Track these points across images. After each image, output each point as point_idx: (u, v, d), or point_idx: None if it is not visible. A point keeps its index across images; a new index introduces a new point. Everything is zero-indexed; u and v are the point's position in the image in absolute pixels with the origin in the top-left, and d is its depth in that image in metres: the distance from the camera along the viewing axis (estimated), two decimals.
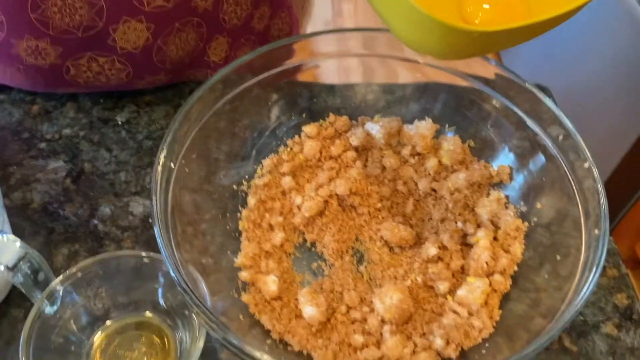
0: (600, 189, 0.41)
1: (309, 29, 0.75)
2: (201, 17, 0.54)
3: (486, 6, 0.38)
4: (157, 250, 0.39)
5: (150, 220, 0.51)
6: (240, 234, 0.48)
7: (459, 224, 0.46)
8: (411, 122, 0.51)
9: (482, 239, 0.45)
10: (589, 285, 0.37)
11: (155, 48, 0.54)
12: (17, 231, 0.50)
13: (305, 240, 0.49)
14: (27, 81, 0.57)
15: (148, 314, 0.45)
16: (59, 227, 0.51)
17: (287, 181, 0.50)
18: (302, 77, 0.53)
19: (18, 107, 0.60)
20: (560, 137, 0.44)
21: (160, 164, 0.42)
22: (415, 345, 0.41)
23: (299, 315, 0.43)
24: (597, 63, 1.14)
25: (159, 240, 0.38)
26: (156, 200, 0.40)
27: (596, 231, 0.39)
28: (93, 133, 0.58)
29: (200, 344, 0.40)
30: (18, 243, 0.40)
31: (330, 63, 0.52)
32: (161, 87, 0.62)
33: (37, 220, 0.51)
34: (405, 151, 0.50)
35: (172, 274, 0.37)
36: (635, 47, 1.00)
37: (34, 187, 0.54)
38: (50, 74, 0.55)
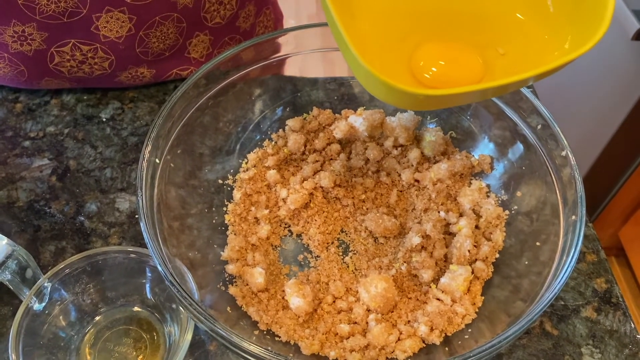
0: (577, 176, 0.41)
1: (294, 23, 0.75)
2: (181, 13, 0.55)
3: (442, 62, 0.37)
4: (144, 246, 0.39)
5: (136, 216, 0.51)
6: (226, 227, 0.49)
7: (442, 214, 0.47)
8: (393, 114, 0.52)
9: (464, 227, 0.46)
10: (567, 268, 0.38)
11: (138, 39, 0.55)
12: (3, 229, 0.50)
13: (291, 233, 0.49)
14: (11, 72, 0.57)
15: (136, 308, 0.45)
16: (45, 225, 0.51)
17: (272, 174, 0.50)
18: (286, 71, 0.53)
19: (1, 106, 0.60)
20: (539, 127, 0.45)
21: (145, 159, 0.42)
22: (400, 333, 0.42)
23: (285, 307, 0.44)
24: None
25: (145, 235, 0.39)
26: (142, 196, 0.40)
27: (573, 217, 0.40)
28: (77, 130, 0.58)
29: (189, 336, 0.40)
30: (5, 241, 0.40)
31: (315, 56, 0.52)
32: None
33: (24, 218, 0.51)
34: (388, 143, 0.51)
35: (160, 268, 0.38)
36: (617, 38, 1.02)
37: (20, 186, 0.54)
38: (35, 62, 0.55)
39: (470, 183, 0.49)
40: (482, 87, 0.33)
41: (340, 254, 0.48)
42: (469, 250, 0.45)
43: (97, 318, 0.45)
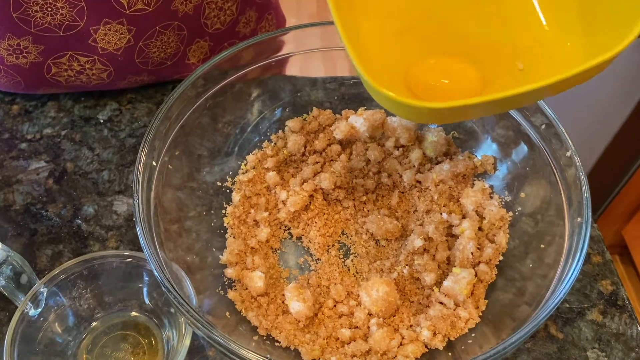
0: (582, 177, 0.41)
1: (294, 22, 0.74)
2: (181, 21, 0.54)
3: (437, 77, 0.36)
4: (142, 249, 0.39)
5: (134, 219, 0.51)
6: (225, 230, 0.48)
7: (444, 215, 0.46)
8: (394, 114, 0.51)
9: (467, 229, 0.45)
10: (573, 271, 0.37)
11: (137, 50, 0.54)
12: None
13: (291, 235, 0.49)
14: (8, 82, 0.56)
15: (134, 313, 0.45)
16: (42, 228, 0.50)
17: (271, 176, 0.50)
18: (287, 71, 0.53)
19: None
20: (543, 126, 0.44)
21: (142, 162, 0.41)
22: (403, 338, 0.41)
23: (285, 311, 0.43)
24: None
25: (141, 240, 0.38)
26: (138, 200, 0.40)
27: (579, 219, 0.39)
28: (75, 132, 0.57)
29: (187, 341, 0.39)
30: None
31: (315, 56, 0.51)
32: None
33: (20, 222, 0.51)
34: (390, 143, 0.50)
35: (156, 274, 0.37)
36: None
37: (16, 189, 0.53)
38: (31, 73, 0.54)
39: (473, 184, 0.48)
40: (491, 99, 0.30)
41: (341, 256, 0.47)
42: (472, 253, 0.44)
43: (94, 323, 0.44)
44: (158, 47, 0.55)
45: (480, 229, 0.46)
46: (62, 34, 0.50)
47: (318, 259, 0.47)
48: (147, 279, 0.44)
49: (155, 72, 0.58)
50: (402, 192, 0.50)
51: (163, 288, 0.37)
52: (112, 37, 0.51)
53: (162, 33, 0.53)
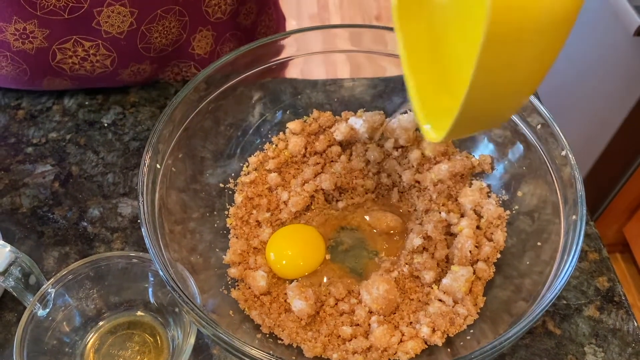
0: (577, 175, 0.41)
1: (295, 24, 0.75)
2: (183, 6, 0.55)
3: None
4: (147, 250, 0.39)
5: (139, 221, 0.52)
6: (228, 231, 0.49)
7: (443, 214, 0.47)
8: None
9: (465, 228, 0.46)
10: (568, 267, 0.38)
11: (140, 34, 0.55)
12: (7, 236, 0.51)
13: None
14: (13, 70, 0.57)
15: (140, 312, 0.46)
16: (48, 231, 0.51)
17: (273, 177, 0.51)
18: (288, 73, 0.53)
19: (3, 112, 0.60)
20: (539, 126, 0.45)
21: (146, 165, 0.42)
22: (403, 334, 0.42)
23: (288, 309, 0.44)
24: (579, 52, 1.15)
25: (147, 240, 0.39)
26: (143, 201, 0.41)
27: (574, 216, 0.40)
28: (79, 136, 0.58)
29: (192, 340, 0.40)
30: (8, 248, 0.41)
31: (316, 59, 0.52)
32: (146, 88, 0.62)
33: (27, 225, 0.52)
34: (389, 144, 0.51)
35: (161, 273, 0.38)
36: (618, 34, 1.01)
37: (23, 192, 0.54)
38: (37, 60, 0.55)
39: (471, 183, 0.49)
40: None
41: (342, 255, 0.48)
42: (470, 251, 0.45)
43: (101, 323, 0.45)
44: (160, 32, 0.56)
45: (478, 227, 0.47)
46: (66, 16, 0.51)
47: None
48: (152, 279, 0.45)
49: (157, 59, 0.59)
50: (402, 192, 0.51)
51: (168, 287, 0.37)
52: (115, 19, 0.52)
53: (163, 17, 0.54)
